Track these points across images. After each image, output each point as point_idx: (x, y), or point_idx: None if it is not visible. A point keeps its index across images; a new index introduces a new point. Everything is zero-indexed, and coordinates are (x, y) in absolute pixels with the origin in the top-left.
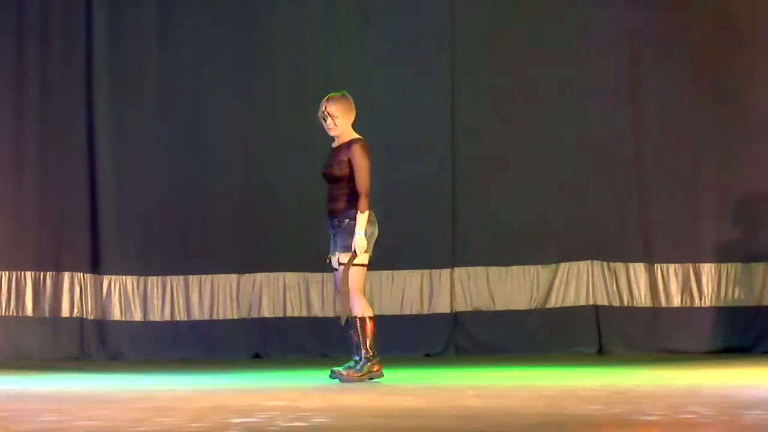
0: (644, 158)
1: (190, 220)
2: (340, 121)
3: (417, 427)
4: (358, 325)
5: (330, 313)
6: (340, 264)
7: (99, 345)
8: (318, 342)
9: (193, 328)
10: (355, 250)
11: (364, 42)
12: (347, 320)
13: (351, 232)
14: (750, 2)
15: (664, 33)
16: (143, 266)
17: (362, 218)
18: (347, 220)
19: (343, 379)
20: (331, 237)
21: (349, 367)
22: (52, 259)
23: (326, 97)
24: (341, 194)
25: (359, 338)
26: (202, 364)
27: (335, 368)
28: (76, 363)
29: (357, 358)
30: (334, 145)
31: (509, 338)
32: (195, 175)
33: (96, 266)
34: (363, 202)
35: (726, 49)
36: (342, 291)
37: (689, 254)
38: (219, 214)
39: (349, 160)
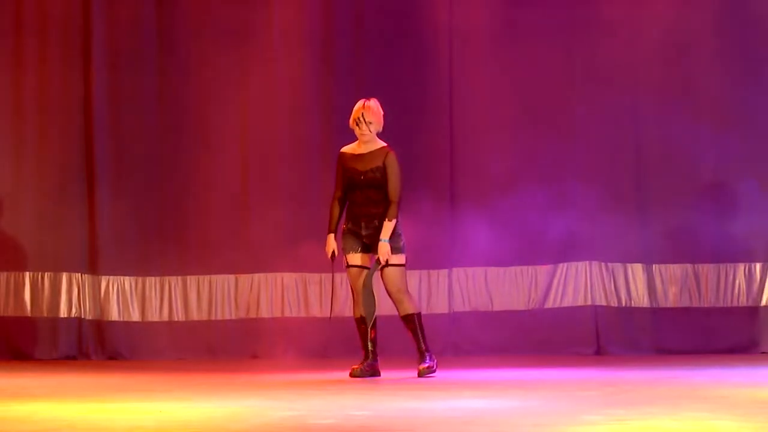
0: (643, 158)
1: (188, 220)
2: (374, 128)
3: (416, 427)
4: (417, 320)
5: (329, 314)
6: (390, 264)
7: (97, 345)
8: (316, 342)
9: (192, 328)
10: (378, 258)
11: (362, 42)
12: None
13: (398, 234)
14: None
15: (668, 29)
16: (141, 266)
17: (390, 226)
18: None
19: (433, 370)
20: (357, 237)
21: (425, 359)
22: (51, 260)
23: (362, 104)
24: (380, 199)
25: (420, 332)
26: (201, 365)
27: (422, 367)
28: (75, 363)
29: (425, 350)
30: (361, 150)
31: (507, 338)
32: (193, 175)
33: (94, 266)
34: (395, 210)
35: (726, 49)
36: (391, 291)
37: (687, 254)
38: (217, 215)
39: (385, 167)
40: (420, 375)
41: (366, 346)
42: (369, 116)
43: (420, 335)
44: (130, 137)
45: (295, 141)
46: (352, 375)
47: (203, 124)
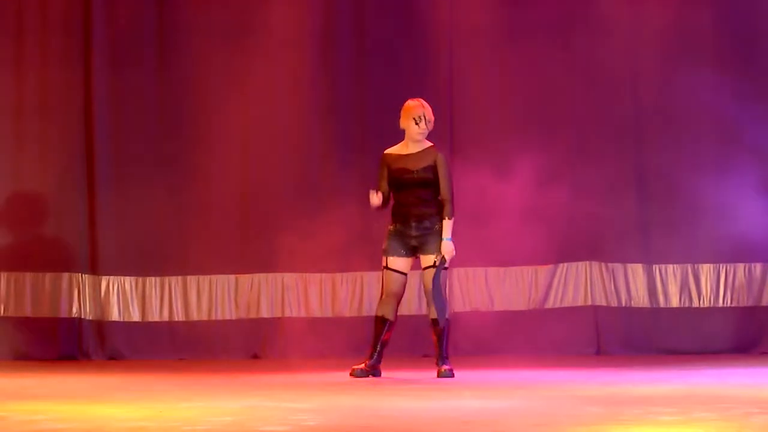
0: (643, 158)
1: (188, 220)
2: (431, 126)
3: (416, 427)
4: (446, 326)
5: (329, 314)
6: (437, 266)
7: (97, 345)
8: (317, 342)
9: (192, 328)
10: (443, 256)
11: (362, 41)
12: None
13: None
14: None
15: (667, 29)
16: (141, 266)
17: (450, 224)
18: (439, 224)
19: (452, 375)
20: (403, 240)
21: (445, 363)
22: (51, 260)
23: (421, 103)
24: (432, 198)
25: (446, 338)
26: (201, 365)
27: (443, 369)
28: (75, 363)
29: (445, 355)
30: (409, 150)
31: (507, 338)
32: (193, 175)
33: (94, 267)
34: (452, 207)
35: (729, 49)
36: (434, 291)
37: (687, 255)
38: (217, 214)
39: (436, 166)
40: (439, 376)
41: (375, 345)
42: (429, 115)
43: (445, 341)
44: (130, 137)
45: (296, 141)
46: (352, 375)
47: (203, 123)
